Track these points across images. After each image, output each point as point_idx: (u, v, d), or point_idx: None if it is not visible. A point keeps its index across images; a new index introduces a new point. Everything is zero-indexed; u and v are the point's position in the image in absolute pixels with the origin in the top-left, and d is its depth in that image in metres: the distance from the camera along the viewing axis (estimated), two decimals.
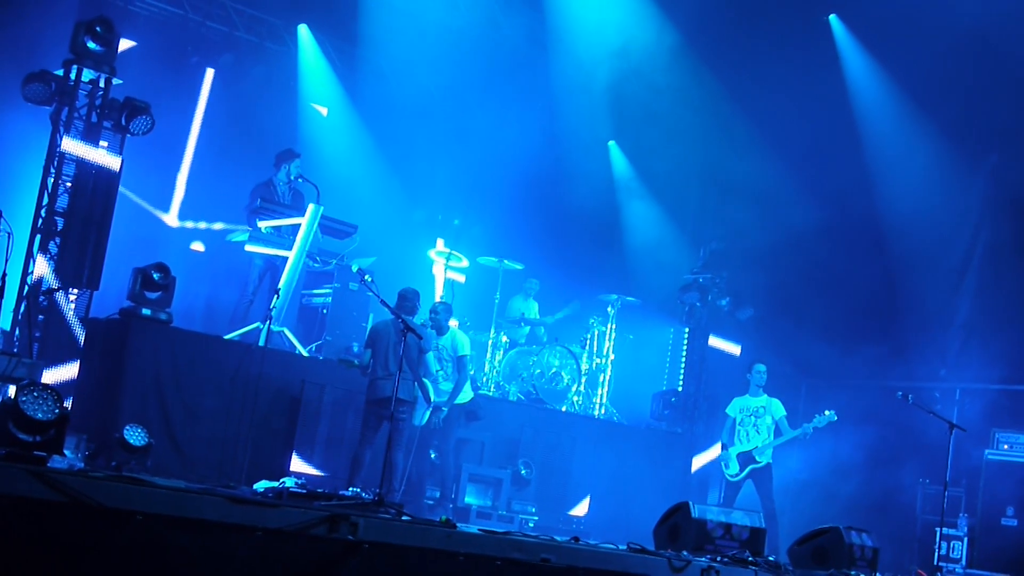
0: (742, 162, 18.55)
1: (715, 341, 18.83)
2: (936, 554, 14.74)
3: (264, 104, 17.62)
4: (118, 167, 12.71)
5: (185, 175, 17.04)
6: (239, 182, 15.68)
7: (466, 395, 13.97)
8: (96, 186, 12.60)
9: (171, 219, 16.92)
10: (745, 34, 18.56)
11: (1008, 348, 17.01)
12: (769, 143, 18.56)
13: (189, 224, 17.02)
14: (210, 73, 17.32)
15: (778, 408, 15.31)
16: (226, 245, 15.53)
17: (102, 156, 12.63)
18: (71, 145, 12.57)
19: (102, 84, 13.03)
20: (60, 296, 12.48)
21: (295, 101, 18.34)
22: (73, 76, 12.86)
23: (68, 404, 10.58)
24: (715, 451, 16.89)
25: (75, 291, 12.69)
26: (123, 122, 13.07)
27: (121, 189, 13.62)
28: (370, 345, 13.12)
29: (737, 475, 15.22)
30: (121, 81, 13.32)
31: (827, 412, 15.01)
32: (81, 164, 12.59)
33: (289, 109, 18.22)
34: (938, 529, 15.09)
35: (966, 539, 15.72)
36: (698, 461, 17.96)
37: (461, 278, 17.60)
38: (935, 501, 15.69)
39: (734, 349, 18.58)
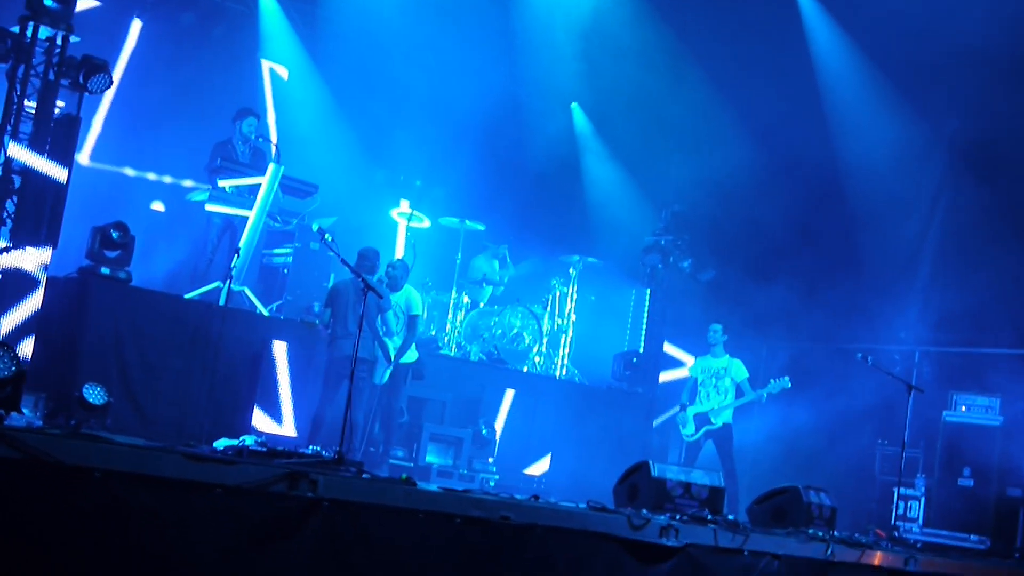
0: (705, 125, 18.54)
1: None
2: (893, 513, 14.87)
3: (223, 62, 17.47)
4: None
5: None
6: (189, 136, 15.59)
7: (412, 355, 13.98)
8: (55, 141, 12.47)
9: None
10: None
11: (966, 311, 17.12)
12: (733, 107, 18.55)
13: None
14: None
15: (739, 370, 15.41)
16: (186, 204, 15.43)
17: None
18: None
19: (59, 42, 12.87)
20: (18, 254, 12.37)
21: (256, 61, 18.20)
22: (29, 33, 12.70)
23: (25, 361, 10.53)
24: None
25: (33, 249, 12.57)
26: (81, 80, 12.92)
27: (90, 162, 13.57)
28: (330, 304, 13.15)
29: (693, 435, 15.35)
30: (79, 39, 13.16)
31: (783, 379, 15.13)
32: (38, 120, 12.43)
33: (250, 68, 18.08)
34: (896, 489, 15.22)
35: (923, 499, 15.90)
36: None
37: (426, 223, 17.51)
38: (893, 462, 15.82)
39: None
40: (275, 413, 13.44)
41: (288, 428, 13.47)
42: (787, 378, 15.11)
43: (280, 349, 13.52)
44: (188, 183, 16.42)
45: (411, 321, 13.90)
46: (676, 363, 18.65)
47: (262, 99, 17.75)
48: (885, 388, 15.56)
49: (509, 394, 15.94)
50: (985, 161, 17.26)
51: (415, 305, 13.97)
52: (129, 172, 16.75)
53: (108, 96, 16.44)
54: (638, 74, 18.70)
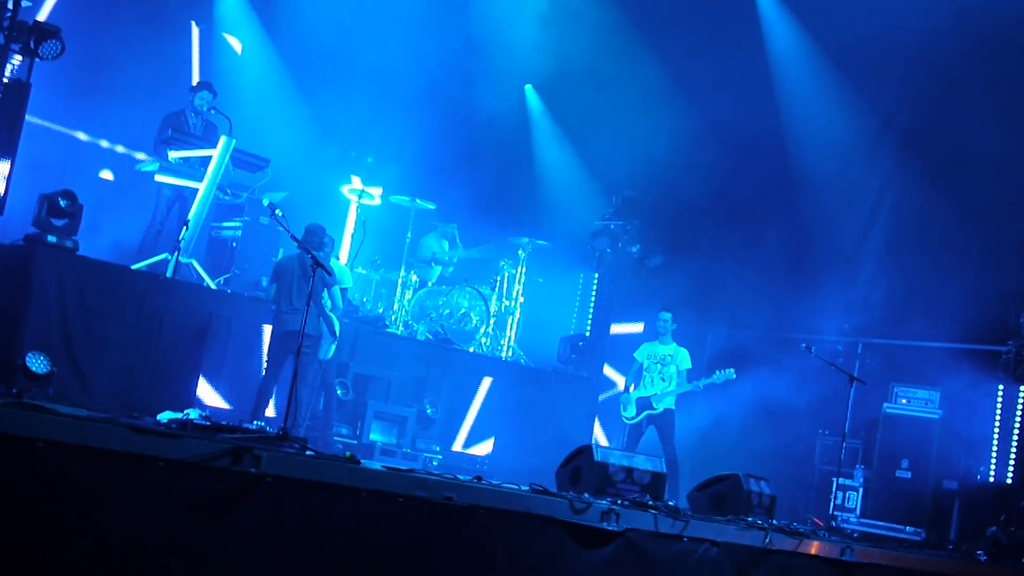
0: (658, 111, 18.57)
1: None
2: (832, 503, 15.02)
3: (178, 34, 17.35)
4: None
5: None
6: (144, 106, 15.42)
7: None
8: (3, 106, 12.33)
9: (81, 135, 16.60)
10: None
11: (909, 305, 17.30)
12: (686, 94, 18.62)
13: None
14: None
15: (684, 359, 15.44)
16: (135, 174, 15.31)
17: None
18: None
19: (11, 5, 12.74)
20: None
21: (210, 32, 18.05)
22: None
23: None
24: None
25: None
26: (32, 46, 12.80)
27: (39, 121, 13.46)
28: (275, 279, 13.09)
29: (633, 418, 15.35)
30: (31, 3, 13.05)
31: (728, 370, 15.17)
32: None
33: (203, 40, 17.93)
34: (835, 479, 15.37)
35: (861, 490, 16.06)
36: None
37: (377, 200, 17.45)
38: (833, 452, 16.02)
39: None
40: (219, 387, 13.38)
41: (231, 402, 13.40)
42: (732, 370, 15.12)
43: (226, 323, 13.45)
44: (141, 156, 16.28)
45: (342, 294, 13.93)
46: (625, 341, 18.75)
47: (214, 71, 17.57)
48: (827, 378, 15.68)
49: (486, 383, 16.05)
50: (931, 156, 17.43)
51: (345, 278, 14.00)
52: (81, 136, 16.57)
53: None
54: (593, 58, 18.73)
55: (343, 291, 13.93)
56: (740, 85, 18.23)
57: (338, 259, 14.57)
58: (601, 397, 17.81)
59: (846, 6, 17.11)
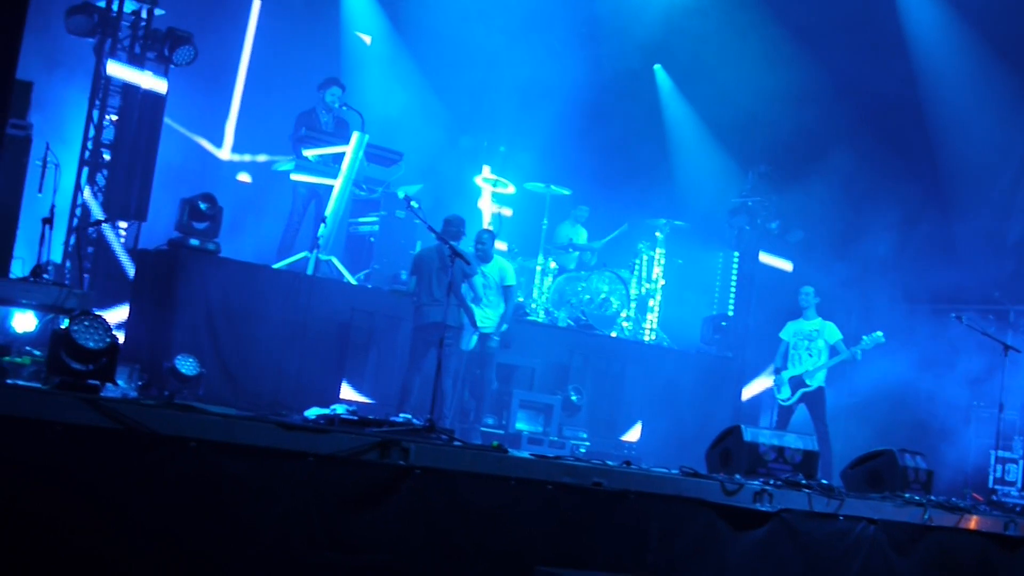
0: (790, 85, 18.25)
1: (765, 258, 18.69)
2: (991, 477, 14.64)
3: (308, 33, 17.52)
4: (164, 90, 12.74)
5: (236, 108, 16.94)
6: (285, 113, 15.54)
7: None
8: (142, 115, 12.63)
9: (224, 153, 16.88)
10: None
11: None
12: (818, 66, 18.27)
13: (237, 157, 16.96)
14: (257, 3, 17.16)
15: (832, 332, 15.17)
16: (271, 175, 15.49)
17: (148, 79, 12.67)
18: (116, 69, 12.60)
19: (144, 15, 13.04)
20: (108, 227, 12.56)
21: (338, 29, 18.20)
22: (116, 7, 12.89)
23: (119, 334, 10.64)
24: (765, 382, 16.91)
25: (123, 223, 12.74)
26: (166, 52, 13.10)
27: (175, 125, 13.77)
28: (415, 272, 13.07)
29: (789, 399, 15.13)
30: (164, 11, 13.32)
31: (876, 333, 14.85)
32: (127, 92, 12.63)
33: (333, 38, 18.09)
34: (992, 452, 14.97)
35: (1021, 462, 15.59)
36: (748, 392, 17.98)
37: (508, 212, 17.45)
38: (988, 424, 15.58)
39: (786, 265, 18.43)
40: (363, 381, 13.46)
41: (376, 396, 13.44)
42: (880, 333, 14.81)
43: (368, 317, 13.51)
44: (262, 157, 16.49)
45: (508, 292, 13.78)
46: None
47: (344, 68, 17.69)
48: (980, 348, 15.28)
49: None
50: None
51: (509, 275, 13.84)
52: (225, 156, 16.88)
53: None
54: (721, 32, 18.45)
55: (509, 289, 13.85)
56: (874, 49, 17.87)
57: (502, 256, 14.52)
58: (746, 397, 17.60)
59: None
